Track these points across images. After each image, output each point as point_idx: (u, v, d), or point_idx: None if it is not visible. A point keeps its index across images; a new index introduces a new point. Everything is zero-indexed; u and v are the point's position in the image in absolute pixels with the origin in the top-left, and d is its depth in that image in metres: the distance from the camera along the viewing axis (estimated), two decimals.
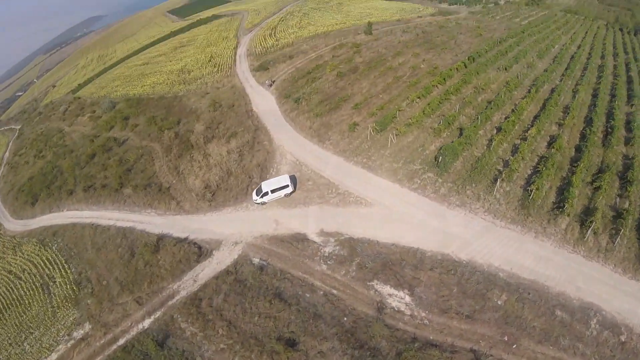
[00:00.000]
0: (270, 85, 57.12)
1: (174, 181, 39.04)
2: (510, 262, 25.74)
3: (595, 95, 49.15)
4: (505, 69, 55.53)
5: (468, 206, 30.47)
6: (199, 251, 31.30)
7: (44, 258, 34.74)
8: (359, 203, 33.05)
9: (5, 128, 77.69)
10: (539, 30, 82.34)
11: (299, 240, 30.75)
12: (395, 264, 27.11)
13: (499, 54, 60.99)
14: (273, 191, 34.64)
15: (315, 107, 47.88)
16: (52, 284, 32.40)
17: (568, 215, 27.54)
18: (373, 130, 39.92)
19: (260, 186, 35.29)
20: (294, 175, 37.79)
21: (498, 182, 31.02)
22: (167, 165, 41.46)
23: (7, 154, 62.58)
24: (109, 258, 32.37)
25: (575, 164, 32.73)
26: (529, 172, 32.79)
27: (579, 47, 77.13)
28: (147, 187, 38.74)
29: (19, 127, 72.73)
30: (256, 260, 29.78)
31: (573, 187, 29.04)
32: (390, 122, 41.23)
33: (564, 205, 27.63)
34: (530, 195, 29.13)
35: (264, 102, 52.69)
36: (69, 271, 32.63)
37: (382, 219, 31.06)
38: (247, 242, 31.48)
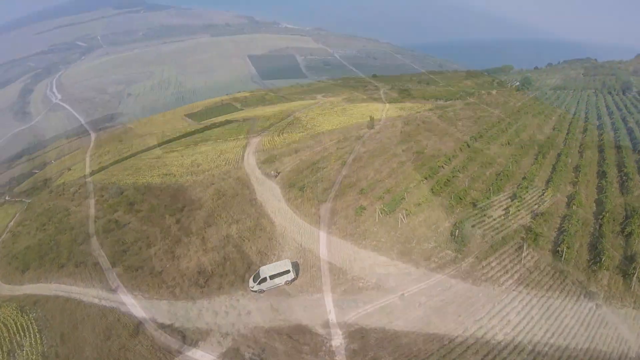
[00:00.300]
0: (276, 176, 58.30)
1: (168, 265, 38.00)
2: (555, 333, 22.65)
3: (601, 151, 50.37)
4: (508, 143, 56.59)
5: (495, 280, 27.75)
6: (183, 340, 28.23)
7: (18, 324, 33.94)
8: (370, 288, 30.54)
9: (16, 200, 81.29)
10: (533, 108, 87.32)
11: (300, 332, 27.45)
12: (418, 355, 23.82)
13: (499, 132, 62.90)
14: (272, 277, 31.61)
15: (320, 194, 47.78)
16: (19, 351, 31.14)
17: (607, 269, 25.05)
18: (381, 212, 38.64)
19: (258, 272, 32.37)
20: (296, 261, 35.28)
21: (524, 249, 28.71)
22: (163, 249, 40.89)
23: (12, 223, 64.12)
24: (82, 336, 30.86)
25: (600, 217, 31.34)
26: (554, 233, 30.63)
27: (574, 114, 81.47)
28: (139, 269, 38.02)
29: (29, 200, 75.84)
30: (247, 355, 25.95)
31: (605, 239, 27.08)
32: (399, 203, 40.23)
33: (601, 259, 25.17)
34: (562, 257, 26.03)
35: (268, 191, 53.20)
36: (39, 342, 31.36)
37: (398, 304, 28.32)
38: (239, 334, 27.96)
